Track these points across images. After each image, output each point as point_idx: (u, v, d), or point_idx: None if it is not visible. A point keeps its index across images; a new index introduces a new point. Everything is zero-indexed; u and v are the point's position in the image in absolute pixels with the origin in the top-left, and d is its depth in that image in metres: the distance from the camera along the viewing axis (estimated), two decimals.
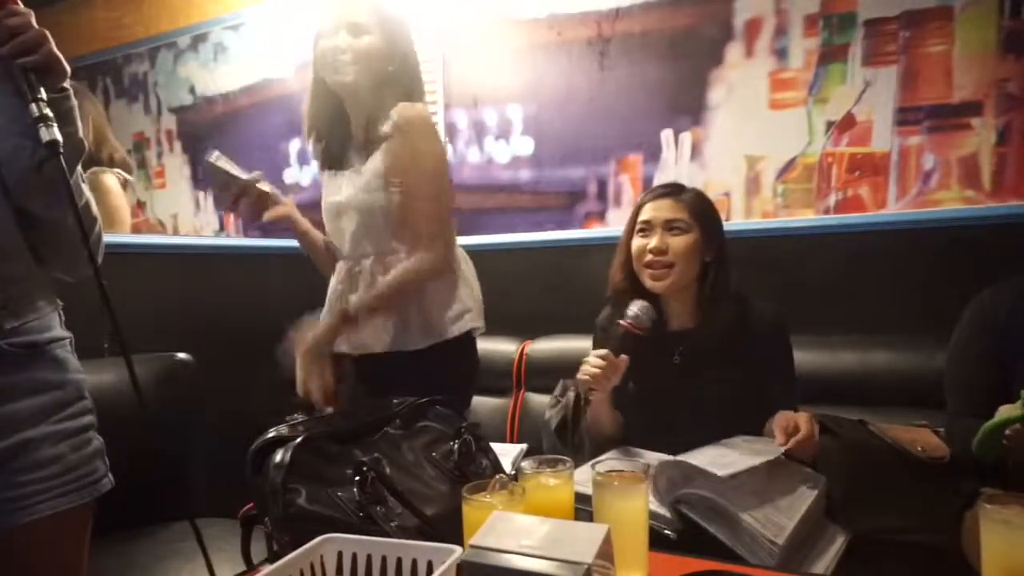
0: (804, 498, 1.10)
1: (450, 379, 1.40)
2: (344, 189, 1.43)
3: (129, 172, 2.05)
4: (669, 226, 1.33)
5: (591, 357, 1.26)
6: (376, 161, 1.38)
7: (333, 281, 1.48)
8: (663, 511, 1.07)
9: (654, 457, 1.22)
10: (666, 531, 1.06)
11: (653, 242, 1.33)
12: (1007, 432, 1.01)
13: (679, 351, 1.37)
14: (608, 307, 1.49)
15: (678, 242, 1.32)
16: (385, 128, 1.38)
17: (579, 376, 1.28)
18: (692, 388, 1.33)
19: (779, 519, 1.03)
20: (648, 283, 1.35)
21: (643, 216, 1.37)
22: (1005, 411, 1.02)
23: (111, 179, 1.94)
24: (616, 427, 1.39)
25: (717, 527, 1.03)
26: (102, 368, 1.40)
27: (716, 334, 1.33)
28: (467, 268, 1.49)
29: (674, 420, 1.29)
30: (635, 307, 1.29)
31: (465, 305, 1.42)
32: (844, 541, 1.12)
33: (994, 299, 1.22)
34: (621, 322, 1.29)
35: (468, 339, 1.45)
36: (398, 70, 1.42)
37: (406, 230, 1.38)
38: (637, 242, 1.37)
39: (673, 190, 1.39)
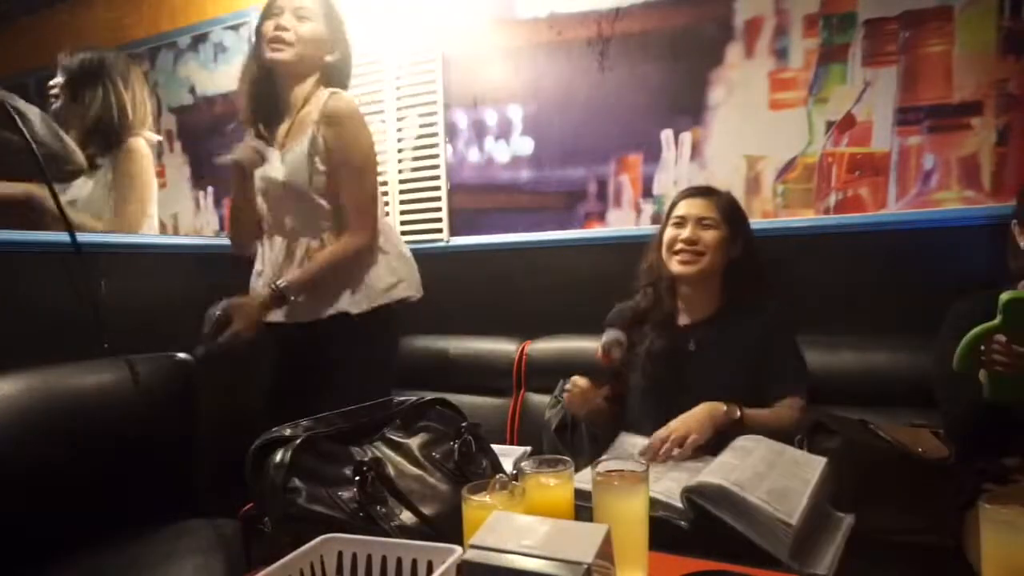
0: (810, 479, 1.09)
1: (379, 344, 1.58)
2: (276, 166, 1.52)
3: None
4: (701, 222, 1.47)
5: (573, 379, 1.38)
6: (304, 144, 1.48)
7: (268, 254, 1.59)
8: (675, 502, 1.08)
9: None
10: (679, 522, 1.06)
11: (686, 233, 1.47)
12: (982, 347, 1.07)
13: (695, 339, 1.48)
14: (639, 296, 1.58)
15: (709, 235, 1.47)
16: (313, 115, 1.50)
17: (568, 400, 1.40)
18: (705, 373, 1.43)
19: (790, 500, 1.02)
20: (676, 268, 1.49)
21: (678, 211, 1.52)
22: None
23: (140, 142, 2.00)
24: (611, 422, 1.48)
25: (729, 515, 1.03)
26: (102, 368, 1.40)
27: (725, 325, 1.45)
28: (395, 239, 1.64)
29: (686, 401, 1.35)
30: (606, 336, 1.40)
31: (399, 275, 1.58)
32: (849, 524, 1.09)
33: (972, 308, 1.23)
34: (603, 350, 1.39)
35: (400, 307, 1.60)
36: (337, 62, 1.54)
37: (333, 212, 1.52)
38: (670, 232, 1.51)
39: (706, 191, 1.54)
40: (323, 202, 1.51)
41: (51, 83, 1.98)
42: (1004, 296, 1.05)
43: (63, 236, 1.56)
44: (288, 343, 1.59)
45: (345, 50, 1.57)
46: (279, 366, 1.64)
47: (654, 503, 1.03)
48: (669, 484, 1.13)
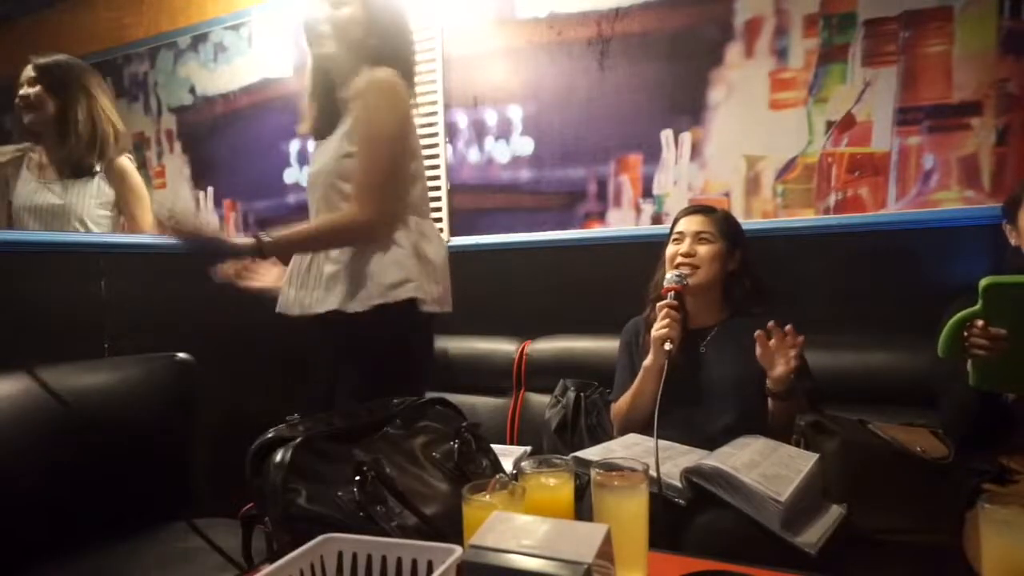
0: (801, 468, 1.18)
1: (388, 346, 1.40)
2: (317, 159, 1.47)
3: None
4: (698, 236, 1.57)
5: (659, 316, 1.48)
6: (342, 128, 1.40)
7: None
8: (675, 481, 1.19)
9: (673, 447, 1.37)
10: (677, 500, 1.17)
11: (684, 247, 1.57)
12: (965, 334, 1.09)
13: (704, 343, 1.57)
14: (648, 309, 1.65)
15: (705, 249, 1.56)
16: (350, 94, 1.39)
17: (657, 334, 1.47)
18: (715, 371, 1.53)
19: (780, 482, 1.12)
20: None
21: (678, 228, 1.62)
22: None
23: (127, 161, 2.02)
24: (652, 404, 1.46)
25: (725, 492, 1.14)
26: (102, 368, 1.41)
27: (733, 330, 1.53)
28: (428, 245, 1.46)
29: (699, 395, 1.50)
30: (671, 274, 1.54)
31: (408, 274, 1.39)
32: (841, 513, 1.16)
33: (967, 306, 1.23)
34: (666, 286, 1.52)
35: (412, 310, 1.40)
36: (379, 44, 1.41)
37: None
38: (671, 248, 1.61)
39: (704, 208, 1.64)
40: (347, 187, 1.38)
41: (23, 92, 1.87)
42: (983, 281, 1.07)
43: (64, 236, 1.56)
44: (301, 335, 1.51)
45: (387, 32, 1.44)
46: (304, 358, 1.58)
47: (654, 482, 1.12)
48: (671, 468, 1.22)
